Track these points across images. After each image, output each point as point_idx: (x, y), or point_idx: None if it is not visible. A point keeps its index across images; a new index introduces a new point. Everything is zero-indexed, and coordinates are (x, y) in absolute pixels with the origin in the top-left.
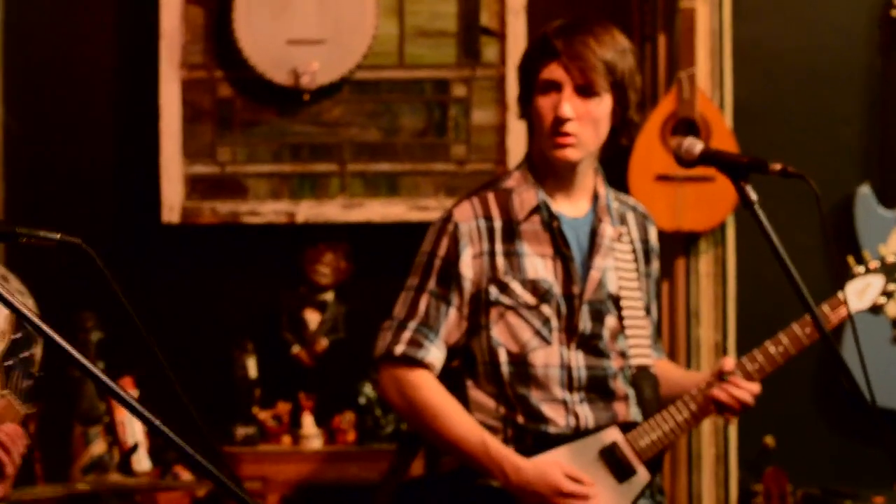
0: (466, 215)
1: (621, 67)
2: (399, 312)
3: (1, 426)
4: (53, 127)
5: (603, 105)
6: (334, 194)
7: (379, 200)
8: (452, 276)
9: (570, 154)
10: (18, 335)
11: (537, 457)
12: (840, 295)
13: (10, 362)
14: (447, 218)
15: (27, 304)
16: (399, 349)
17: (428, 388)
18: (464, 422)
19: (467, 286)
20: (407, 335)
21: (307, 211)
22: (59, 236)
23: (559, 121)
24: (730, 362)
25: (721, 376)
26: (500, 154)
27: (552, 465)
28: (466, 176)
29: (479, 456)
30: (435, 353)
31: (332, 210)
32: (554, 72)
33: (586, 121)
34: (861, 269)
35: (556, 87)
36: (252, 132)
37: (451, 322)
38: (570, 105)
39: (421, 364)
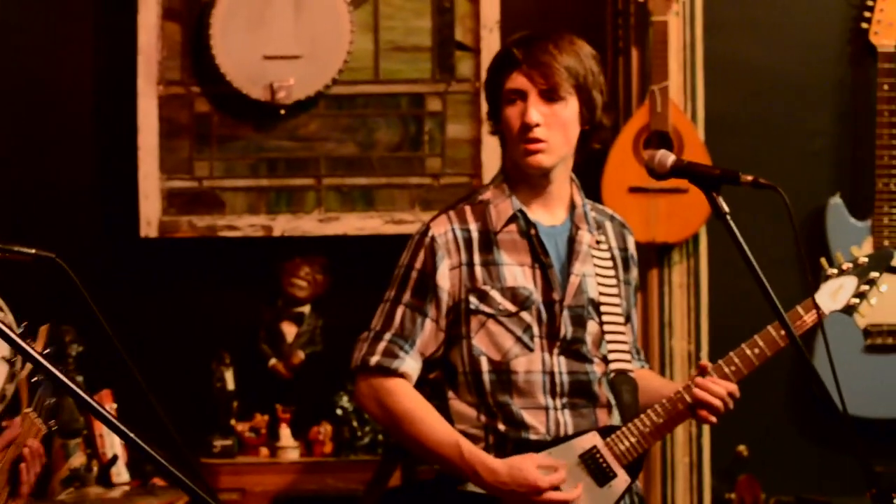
0: (443, 228)
1: (583, 70)
2: (375, 324)
3: (27, 442)
4: (31, 142)
5: (569, 108)
6: (311, 208)
7: (355, 214)
8: (429, 288)
9: (542, 160)
10: (47, 351)
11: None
12: (814, 296)
13: (36, 378)
14: (424, 231)
15: (5, 320)
16: (374, 360)
17: (403, 395)
18: (439, 428)
19: (444, 297)
20: (382, 346)
21: (284, 225)
22: (33, 251)
23: (527, 127)
24: (706, 365)
25: (700, 373)
26: (475, 167)
27: (524, 460)
28: (442, 189)
29: (455, 459)
30: (410, 364)
31: (309, 224)
32: (517, 81)
33: (554, 125)
34: (834, 270)
35: (521, 95)
36: (229, 147)
37: (427, 334)
38: (535, 111)
39: (396, 374)
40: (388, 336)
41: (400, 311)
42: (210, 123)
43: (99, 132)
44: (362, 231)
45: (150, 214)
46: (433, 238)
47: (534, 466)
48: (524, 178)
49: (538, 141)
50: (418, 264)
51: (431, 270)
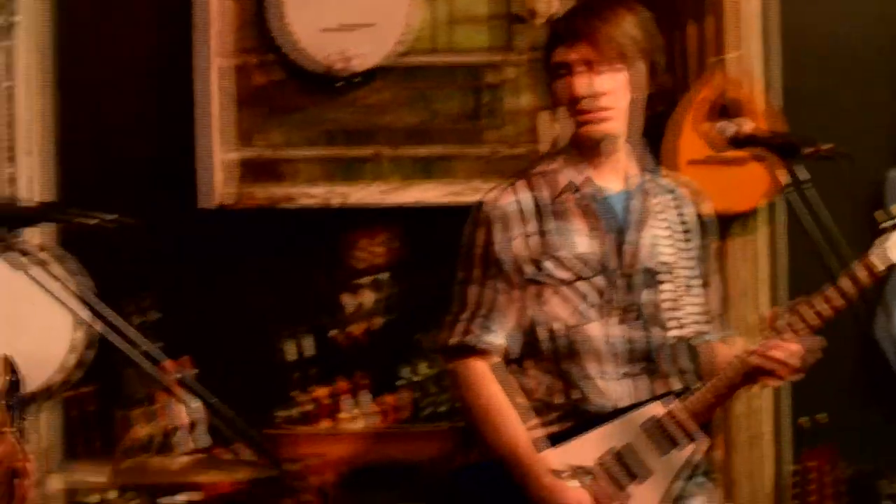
0: (501, 201)
1: (630, 38)
2: (453, 307)
3: (19, 458)
4: (104, 112)
5: (618, 77)
6: (372, 179)
7: (415, 185)
8: (493, 262)
9: (594, 130)
10: (14, 377)
11: (568, 445)
12: (872, 252)
13: (8, 402)
14: (483, 206)
15: (85, 285)
16: (453, 341)
17: (480, 384)
18: (503, 427)
19: (510, 269)
20: (461, 327)
21: (345, 195)
22: (115, 217)
23: (575, 100)
24: (775, 314)
25: (773, 324)
26: (533, 138)
27: (569, 492)
28: (501, 160)
29: (510, 462)
30: (491, 340)
31: (370, 195)
32: (562, 54)
33: (603, 96)
34: (890, 222)
35: (567, 68)
36: (290, 118)
37: (503, 307)
38: (583, 83)
39: (476, 352)
40: (465, 316)
41: (472, 290)
42: (271, 95)
43: (161, 103)
44: (423, 202)
45: (210, 186)
46: (492, 212)
47: (575, 497)
48: (580, 147)
49: (587, 112)
50: (480, 240)
51: (493, 244)
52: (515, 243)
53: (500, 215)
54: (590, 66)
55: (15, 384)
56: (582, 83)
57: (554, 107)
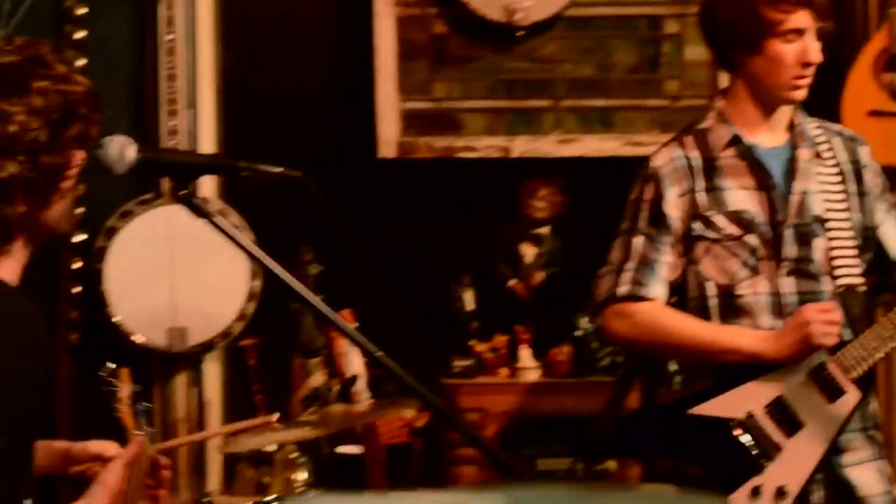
0: (666, 158)
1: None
2: (615, 257)
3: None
4: (270, 62)
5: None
6: (548, 129)
7: (593, 136)
8: (661, 216)
9: (805, 93)
10: (139, 387)
11: (734, 392)
12: None
13: (135, 410)
14: (647, 164)
15: (246, 238)
16: (622, 290)
17: (660, 314)
18: (696, 327)
19: (675, 225)
20: (628, 276)
21: (522, 146)
22: (280, 170)
23: (807, 65)
24: None
25: None
26: (712, 89)
27: (794, 327)
28: (679, 111)
29: (727, 353)
30: (658, 290)
31: (547, 145)
32: (800, 19)
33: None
34: None
35: (800, 33)
36: (467, 68)
37: (667, 260)
38: (817, 50)
39: (646, 300)
40: (630, 266)
41: (638, 241)
42: (448, 45)
43: (338, 53)
44: (601, 153)
45: (389, 135)
46: (657, 169)
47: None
48: (755, 104)
49: (807, 77)
50: (647, 196)
51: (660, 200)
52: (682, 200)
53: (669, 171)
54: (814, 32)
55: (139, 393)
56: (817, 50)
57: (768, 66)
